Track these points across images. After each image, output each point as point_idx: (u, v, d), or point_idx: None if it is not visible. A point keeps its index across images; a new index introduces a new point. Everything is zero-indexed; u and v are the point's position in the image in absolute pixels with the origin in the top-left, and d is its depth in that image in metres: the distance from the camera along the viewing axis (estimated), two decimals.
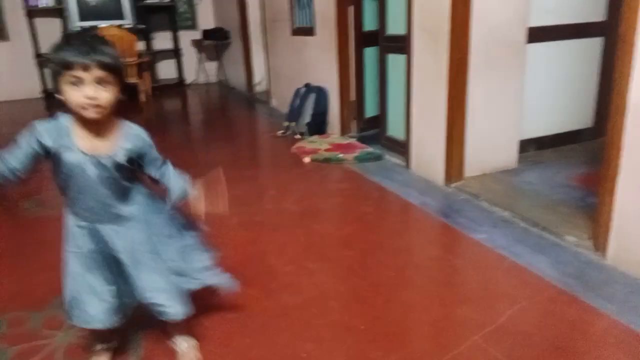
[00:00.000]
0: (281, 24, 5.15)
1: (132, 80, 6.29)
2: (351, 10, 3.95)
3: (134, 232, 1.40)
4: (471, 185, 2.90)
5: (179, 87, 7.54)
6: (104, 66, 1.21)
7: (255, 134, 5.07)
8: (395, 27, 3.43)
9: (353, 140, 4.03)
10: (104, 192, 1.34)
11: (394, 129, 3.64)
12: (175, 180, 1.45)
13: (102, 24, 6.30)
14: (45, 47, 6.85)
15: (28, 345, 1.67)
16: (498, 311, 1.76)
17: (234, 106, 6.37)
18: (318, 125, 4.31)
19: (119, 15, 6.76)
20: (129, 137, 1.35)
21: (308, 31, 4.56)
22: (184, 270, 1.51)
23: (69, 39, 1.28)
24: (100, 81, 1.22)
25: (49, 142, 1.27)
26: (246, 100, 6.47)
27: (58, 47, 1.25)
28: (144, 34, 7.18)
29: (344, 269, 2.13)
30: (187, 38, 7.66)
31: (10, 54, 6.84)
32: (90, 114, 1.24)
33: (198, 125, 5.66)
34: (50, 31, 6.84)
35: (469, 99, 2.86)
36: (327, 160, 3.58)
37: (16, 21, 6.76)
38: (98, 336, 1.57)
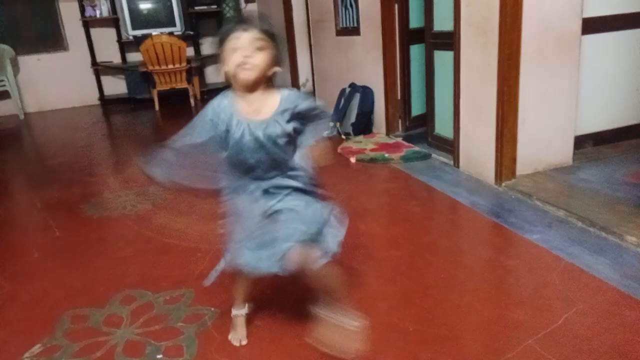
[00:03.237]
0: (326, 24, 5.17)
1: (182, 85, 6.49)
2: (397, 7, 3.91)
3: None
4: (523, 183, 2.81)
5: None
6: (259, 30, 1.39)
7: None
8: (442, 23, 3.37)
9: (399, 140, 3.99)
10: (266, 157, 1.46)
11: (442, 127, 3.57)
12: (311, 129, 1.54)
13: (154, 31, 6.53)
14: (101, 56, 7.20)
15: (90, 341, 1.76)
16: (554, 314, 1.70)
17: None
18: (363, 125, 4.30)
19: (170, 23, 6.99)
20: (281, 100, 1.45)
21: (353, 31, 4.55)
22: None
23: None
24: (255, 43, 1.38)
25: (222, 116, 1.46)
26: None
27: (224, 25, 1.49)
28: (193, 40, 7.38)
29: (391, 270, 2.12)
30: None
31: (70, 63, 7.20)
32: (246, 73, 1.39)
33: None
34: (105, 40, 7.18)
35: (521, 94, 2.77)
36: (373, 160, 3.57)
37: (74, 32, 7.11)
38: (239, 295, 1.71)
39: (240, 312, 1.71)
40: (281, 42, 1.46)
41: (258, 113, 1.44)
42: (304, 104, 1.47)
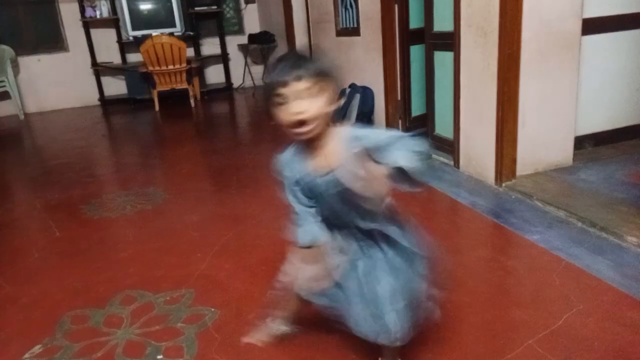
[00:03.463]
0: (326, 25, 5.17)
1: (182, 86, 6.50)
2: (397, 8, 3.92)
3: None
4: (523, 184, 2.81)
5: (226, 91, 7.71)
6: (311, 73, 1.15)
7: None
8: (442, 23, 3.37)
9: None
10: (345, 209, 1.27)
11: (442, 127, 3.57)
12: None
13: (154, 32, 6.54)
14: (101, 57, 7.21)
15: (90, 342, 1.76)
16: (554, 315, 1.70)
17: None
18: (364, 126, 4.29)
19: (170, 24, 6.99)
20: (348, 143, 1.19)
21: (353, 31, 4.56)
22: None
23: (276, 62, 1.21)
24: (301, 95, 1.15)
25: (294, 177, 1.30)
26: None
27: (268, 72, 1.22)
28: (193, 41, 7.39)
29: None
30: (234, 43, 7.82)
31: (70, 64, 7.21)
32: (304, 132, 1.18)
33: (245, 129, 5.76)
34: (105, 41, 7.19)
35: (521, 95, 2.77)
36: None
37: (75, 32, 7.12)
38: (288, 312, 1.64)
39: (281, 327, 1.66)
40: (336, 74, 1.22)
41: (325, 163, 1.24)
42: (372, 141, 1.16)
